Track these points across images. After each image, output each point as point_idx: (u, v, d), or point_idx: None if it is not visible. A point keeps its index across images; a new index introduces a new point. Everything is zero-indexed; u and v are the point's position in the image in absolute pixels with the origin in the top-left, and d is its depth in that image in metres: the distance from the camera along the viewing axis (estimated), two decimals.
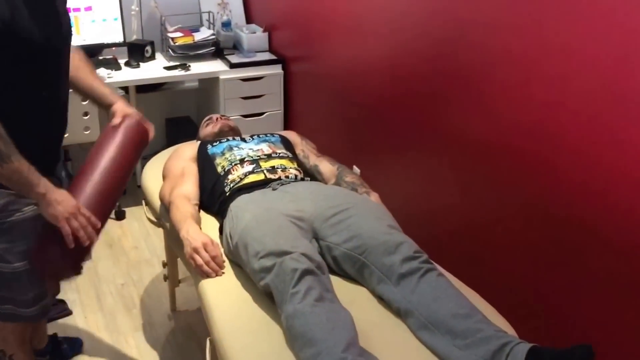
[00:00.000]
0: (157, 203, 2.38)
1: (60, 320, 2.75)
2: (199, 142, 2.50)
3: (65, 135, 1.93)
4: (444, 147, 2.41)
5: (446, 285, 1.72)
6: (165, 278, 2.75)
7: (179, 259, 2.70)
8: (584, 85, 1.75)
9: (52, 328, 2.76)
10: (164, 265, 2.74)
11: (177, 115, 4.09)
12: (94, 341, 2.62)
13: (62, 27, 1.79)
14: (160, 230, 3.31)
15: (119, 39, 3.64)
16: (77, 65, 1.97)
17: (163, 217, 2.34)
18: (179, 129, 3.93)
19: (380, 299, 1.81)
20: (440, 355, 1.61)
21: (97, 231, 1.78)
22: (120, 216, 3.53)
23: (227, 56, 3.73)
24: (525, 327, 1.85)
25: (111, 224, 3.45)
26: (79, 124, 3.16)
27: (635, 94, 1.62)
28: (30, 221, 1.77)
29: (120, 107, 2.00)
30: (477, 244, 2.28)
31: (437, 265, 1.80)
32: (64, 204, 1.69)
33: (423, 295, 1.69)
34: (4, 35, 1.57)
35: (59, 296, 2.92)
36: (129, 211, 3.57)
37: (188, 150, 2.42)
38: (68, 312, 2.80)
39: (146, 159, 2.75)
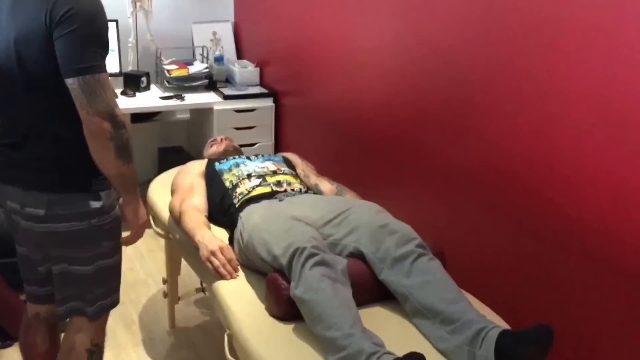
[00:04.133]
0: (164, 216, 2.48)
1: None
2: (206, 159, 2.62)
3: None
4: (434, 177, 2.54)
5: (436, 269, 1.86)
6: (165, 295, 2.81)
7: (179, 276, 2.79)
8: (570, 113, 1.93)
9: None
10: (164, 282, 2.81)
11: (169, 145, 4.21)
12: None
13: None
14: (154, 252, 3.42)
15: (116, 69, 3.76)
16: None
17: (171, 229, 2.43)
18: (171, 158, 4.03)
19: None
20: (430, 340, 1.76)
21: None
22: None
23: (220, 89, 3.88)
24: None
25: None
26: None
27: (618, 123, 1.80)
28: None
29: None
30: (471, 269, 2.41)
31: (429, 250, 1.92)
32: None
33: (415, 279, 1.83)
34: None
35: None
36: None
37: (196, 166, 2.54)
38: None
39: (140, 186, 2.82)
